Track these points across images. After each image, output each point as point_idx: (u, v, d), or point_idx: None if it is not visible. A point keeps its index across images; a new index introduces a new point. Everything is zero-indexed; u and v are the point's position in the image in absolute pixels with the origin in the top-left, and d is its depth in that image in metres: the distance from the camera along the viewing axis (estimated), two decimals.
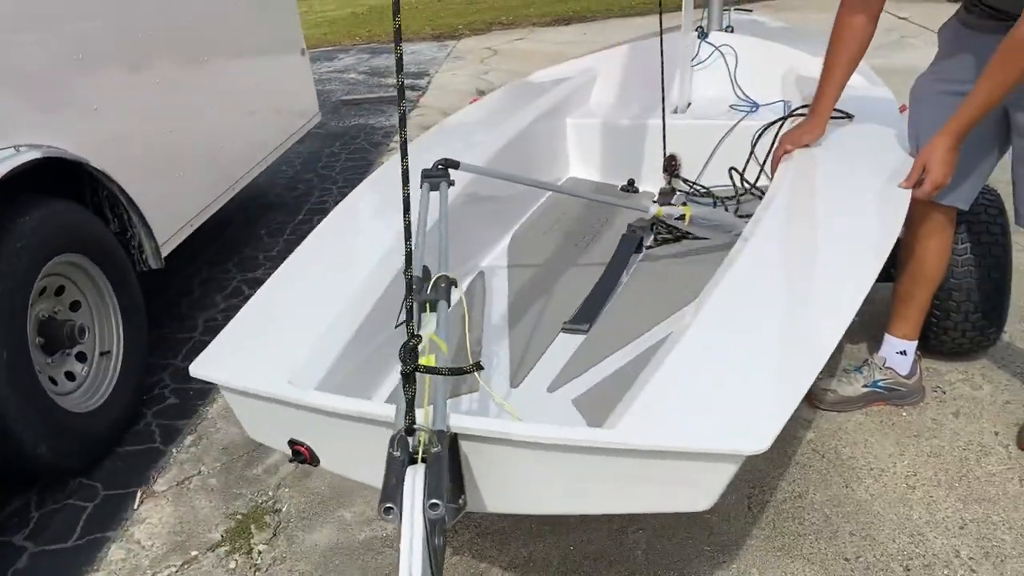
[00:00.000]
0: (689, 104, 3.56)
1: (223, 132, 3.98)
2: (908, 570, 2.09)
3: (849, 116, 2.72)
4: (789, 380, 1.48)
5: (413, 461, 1.33)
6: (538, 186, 2.72)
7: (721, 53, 3.71)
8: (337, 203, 2.48)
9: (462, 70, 8.61)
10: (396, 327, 1.76)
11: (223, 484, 2.65)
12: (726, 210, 3.02)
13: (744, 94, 3.55)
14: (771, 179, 2.90)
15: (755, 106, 3.44)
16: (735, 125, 3.29)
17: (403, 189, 1.36)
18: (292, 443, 1.69)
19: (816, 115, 2.54)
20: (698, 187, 3.30)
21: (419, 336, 1.33)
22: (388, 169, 2.77)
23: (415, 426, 1.38)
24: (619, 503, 1.51)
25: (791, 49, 3.66)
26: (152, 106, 3.33)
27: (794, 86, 3.45)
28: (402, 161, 1.37)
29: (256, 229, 4.74)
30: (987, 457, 2.44)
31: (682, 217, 2.55)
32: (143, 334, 3.05)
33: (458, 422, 1.44)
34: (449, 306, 1.69)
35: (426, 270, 1.75)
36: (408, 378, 1.34)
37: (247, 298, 3.90)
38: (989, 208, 2.66)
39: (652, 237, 2.90)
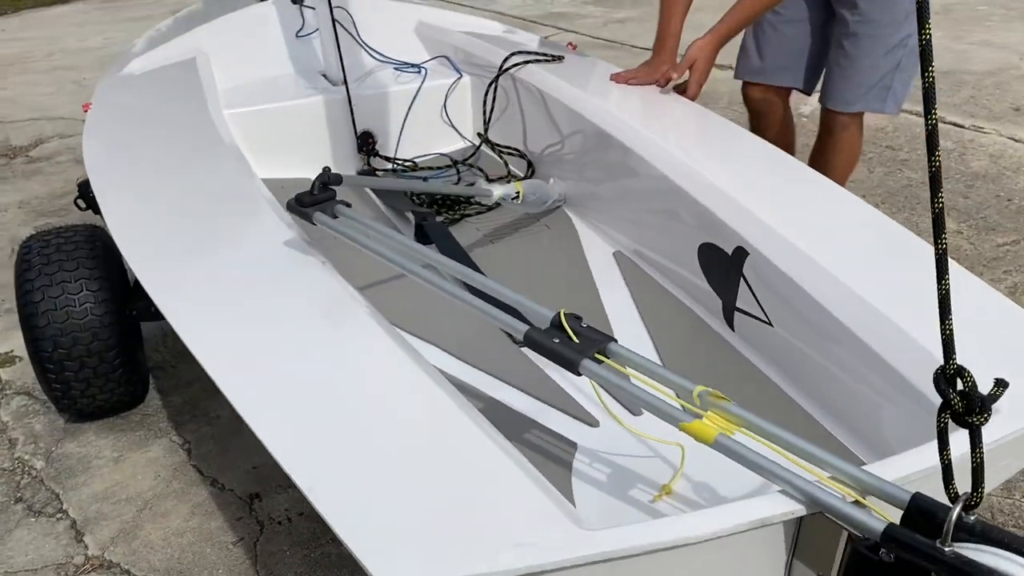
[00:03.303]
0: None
1: None
2: None
3: (559, 58, 2.82)
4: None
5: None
6: (440, 192, 2.51)
7: (334, 19, 3.27)
8: None
9: None
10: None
11: None
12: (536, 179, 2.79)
13: (387, 57, 3.20)
14: None
15: (418, 67, 3.12)
16: (420, 89, 2.98)
17: None
18: None
19: (666, 51, 2.54)
20: (408, 162, 2.93)
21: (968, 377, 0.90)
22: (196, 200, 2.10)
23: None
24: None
25: (401, 4, 3.39)
26: None
27: (439, 41, 3.24)
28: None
29: None
30: None
31: (517, 195, 2.28)
32: None
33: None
34: (616, 342, 1.30)
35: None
36: (976, 434, 0.92)
37: None
38: None
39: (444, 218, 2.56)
